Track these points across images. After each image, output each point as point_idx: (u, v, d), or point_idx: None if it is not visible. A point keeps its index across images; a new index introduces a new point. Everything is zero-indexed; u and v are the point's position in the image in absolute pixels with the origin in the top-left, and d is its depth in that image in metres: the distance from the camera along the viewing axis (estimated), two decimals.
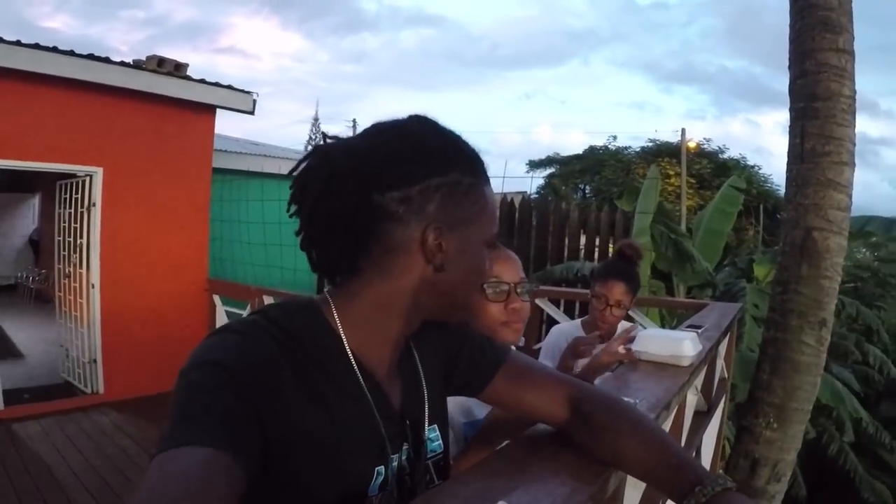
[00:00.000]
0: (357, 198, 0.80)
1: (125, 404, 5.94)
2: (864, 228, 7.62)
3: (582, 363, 2.32)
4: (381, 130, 0.86)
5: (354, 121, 30.75)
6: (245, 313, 5.85)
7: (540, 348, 2.71)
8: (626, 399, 1.13)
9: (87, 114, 5.84)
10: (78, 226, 6.13)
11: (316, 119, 46.83)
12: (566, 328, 2.73)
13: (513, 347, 1.26)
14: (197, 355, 0.75)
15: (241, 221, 7.94)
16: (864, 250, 11.37)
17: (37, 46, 5.34)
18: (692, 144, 21.72)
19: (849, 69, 3.47)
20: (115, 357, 6.11)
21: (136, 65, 6.23)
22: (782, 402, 3.56)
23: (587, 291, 2.81)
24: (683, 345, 1.74)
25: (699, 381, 2.38)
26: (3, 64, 5.14)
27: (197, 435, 0.64)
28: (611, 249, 7.99)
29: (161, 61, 6.32)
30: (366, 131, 0.87)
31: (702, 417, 2.62)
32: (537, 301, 4.96)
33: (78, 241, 6.15)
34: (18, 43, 5.24)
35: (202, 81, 6.58)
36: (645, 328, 2.28)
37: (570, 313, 6.09)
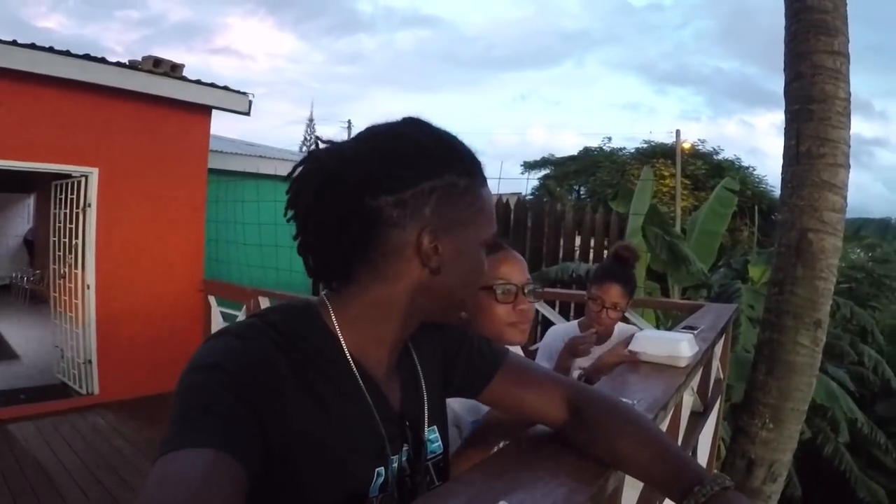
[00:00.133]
0: (350, 203, 0.80)
1: (120, 405, 5.93)
2: (859, 232, 7.64)
3: (579, 363, 2.33)
4: (375, 134, 0.86)
5: (349, 122, 30.80)
6: (240, 314, 5.86)
7: (536, 349, 2.72)
8: (624, 400, 1.13)
9: (82, 114, 5.83)
10: (73, 226, 6.12)
11: (311, 120, 46.81)
12: (563, 329, 2.74)
13: (515, 348, 1.26)
14: (197, 359, 0.75)
15: (236, 222, 7.93)
16: (858, 251, 11.41)
17: (33, 46, 5.33)
18: (687, 146, 21.74)
19: (844, 71, 3.49)
20: (110, 358, 6.10)
21: (132, 65, 6.21)
22: (778, 403, 3.58)
23: (582, 293, 2.81)
24: (680, 346, 1.75)
25: (695, 381, 2.39)
26: None
27: (199, 437, 0.64)
28: (606, 251, 8.00)
29: (157, 62, 6.31)
30: (359, 135, 0.87)
31: (698, 418, 2.63)
32: None
33: (73, 242, 6.13)
34: (15, 43, 5.23)
35: (198, 82, 6.58)
36: (641, 329, 2.29)
37: (565, 314, 6.11)
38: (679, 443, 2.09)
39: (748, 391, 3.78)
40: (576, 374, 2.28)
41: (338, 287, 0.87)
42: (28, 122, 5.50)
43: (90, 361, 6.06)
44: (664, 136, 23.61)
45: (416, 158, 0.82)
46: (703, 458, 2.92)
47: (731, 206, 8.06)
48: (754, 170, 24.01)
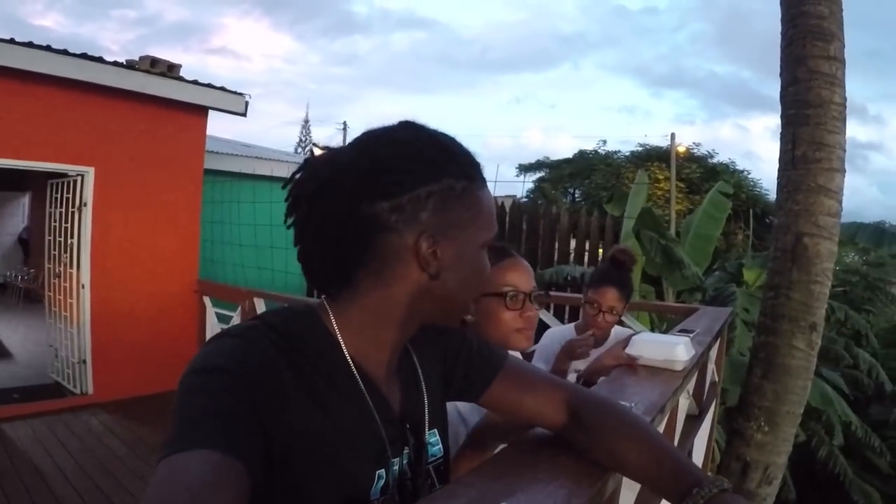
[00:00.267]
0: (347, 210, 0.80)
1: (114, 405, 5.92)
2: (854, 238, 7.67)
3: (576, 365, 2.33)
4: (370, 139, 0.85)
5: (345, 123, 30.73)
6: (235, 315, 5.85)
7: (533, 351, 2.72)
8: (621, 403, 1.14)
9: (79, 113, 5.82)
10: (69, 225, 6.10)
11: (306, 121, 46.80)
12: (559, 332, 2.74)
13: (517, 353, 1.27)
14: (198, 360, 0.75)
15: (232, 223, 7.93)
16: (852, 254, 11.45)
17: (30, 45, 5.32)
18: (681, 149, 21.78)
19: (839, 76, 3.51)
20: (104, 358, 6.08)
21: (129, 65, 6.20)
22: (773, 406, 3.59)
23: (577, 296, 2.82)
24: (677, 349, 1.75)
25: (691, 385, 2.39)
26: None
27: (201, 439, 0.64)
28: (601, 253, 8.02)
29: (154, 62, 6.31)
30: (355, 141, 0.87)
31: (693, 421, 2.64)
32: None
33: (68, 241, 6.12)
34: (12, 41, 5.22)
35: (195, 83, 6.57)
36: (637, 332, 2.29)
37: (559, 317, 6.11)
38: (675, 445, 2.10)
39: (744, 394, 3.79)
40: (572, 376, 2.28)
41: (337, 292, 0.87)
42: (24, 120, 5.49)
43: (84, 361, 6.05)
44: (659, 140, 23.68)
45: (412, 163, 0.82)
46: (698, 461, 2.93)
47: (726, 209, 8.09)
48: (749, 173, 24.14)
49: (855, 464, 7.54)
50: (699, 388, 2.70)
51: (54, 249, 6.45)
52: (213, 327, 6.35)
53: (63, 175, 6.08)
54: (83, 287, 6.02)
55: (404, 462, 0.90)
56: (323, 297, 0.89)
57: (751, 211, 17.74)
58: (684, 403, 2.41)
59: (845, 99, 3.53)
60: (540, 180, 27.26)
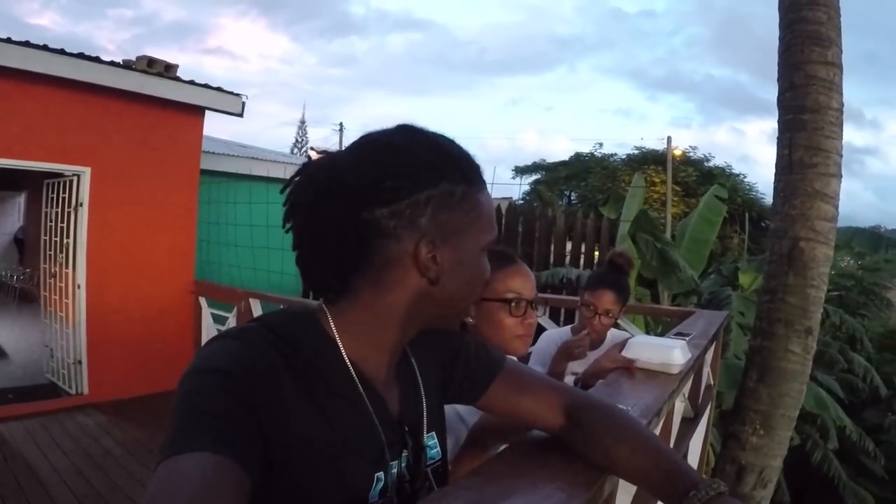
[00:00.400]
0: (346, 215, 0.80)
1: (110, 406, 5.90)
2: (850, 243, 7.70)
3: (573, 368, 2.34)
4: (368, 143, 0.85)
5: (341, 124, 30.81)
6: (231, 316, 5.84)
7: (529, 354, 2.73)
8: (619, 406, 1.14)
9: (75, 113, 5.81)
10: (64, 225, 6.09)
11: (302, 122, 47.00)
12: (555, 334, 2.75)
13: (514, 357, 1.27)
14: (197, 362, 0.75)
15: (228, 224, 7.91)
16: (848, 259, 11.48)
17: (27, 44, 5.31)
18: (678, 152, 21.87)
19: (837, 82, 3.52)
20: (100, 358, 6.07)
21: (126, 65, 6.20)
22: (769, 409, 3.60)
23: (573, 298, 2.82)
24: (673, 353, 1.76)
25: (687, 388, 2.40)
26: None
27: (201, 441, 0.64)
28: (597, 256, 8.04)
29: (151, 62, 6.30)
30: (353, 145, 0.86)
31: (689, 424, 2.64)
32: None
33: (64, 241, 6.10)
34: (9, 40, 5.20)
35: (192, 83, 6.56)
36: (634, 335, 2.30)
37: (555, 318, 6.12)
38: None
39: (739, 397, 3.80)
40: (569, 379, 2.29)
41: (336, 296, 0.87)
42: (20, 120, 5.47)
43: (80, 361, 6.03)
44: (655, 143, 23.88)
45: (410, 168, 0.81)
46: (693, 464, 2.93)
47: (721, 213, 8.10)
48: (745, 177, 24.31)
49: (849, 467, 7.58)
50: (695, 392, 2.71)
51: (50, 249, 6.44)
52: (208, 328, 6.34)
53: (59, 175, 6.07)
54: (79, 287, 6.01)
55: (403, 465, 0.90)
56: (321, 300, 0.89)
57: (747, 215, 17.79)
58: (680, 406, 2.41)
59: (842, 104, 3.55)
60: (536, 182, 27.37)
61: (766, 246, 4.04)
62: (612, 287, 2.59)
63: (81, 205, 5.94)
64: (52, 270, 6.40)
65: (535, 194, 24.77)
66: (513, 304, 1.50)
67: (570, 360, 2.28)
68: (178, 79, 6.46)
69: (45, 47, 5.43)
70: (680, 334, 2.42)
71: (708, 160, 24.84)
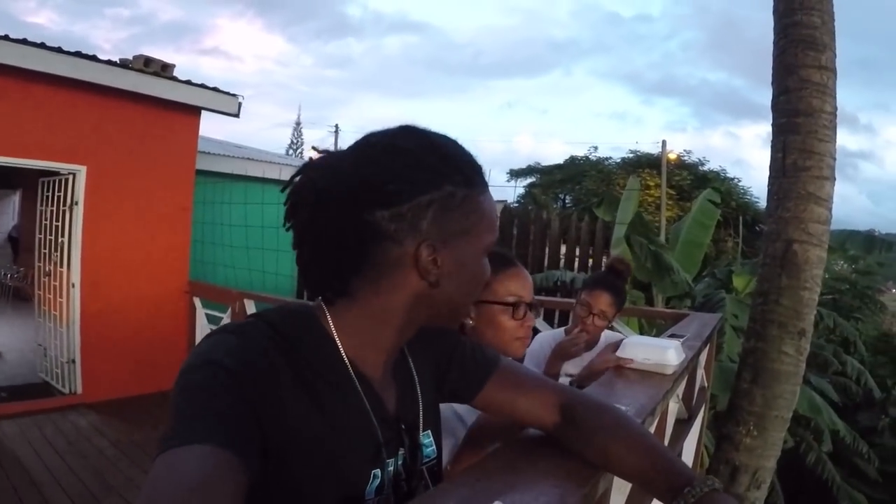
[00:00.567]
0: (347, 217, 0.80)
1: (103, 405, 5.89)
2: (844, 246, 7.73)
3: (568, 369, 2.35)
4: (370, 145, 0.85)
5: (337, 126, 30.71)
6: (225, 316, 5.83)
7: (524, 355, 2.73)
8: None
9: (71, 111, 5.80)
10: (59, 224, 6.07)
11: (298, 123, 46.95)
12: (550, 336, 2.75)
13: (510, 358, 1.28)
14: (196, 356, 0.75)
15: (223, 224, 7.90)
16: (841, 262, 11.52)
17: (24, 42, 5.30)
18: (672, 156, 21.93)
19: (830, 86, 3.54)
20: (93, 358, 6.04)
21: (123, 64, 6.19)
22: (762, 411, 3.61)
23: (568, 300, 2.83)
24: (668, 354, 1.76)
25: (681, 389, 2.41)
26: None
27: (199, 434, 0.64)
28: (591, 259, 8.06)
29: (148, 61, 6.29)
30: (354, 146, 0.86)
31: (683, 425, 2.65)
32: None
33: (59, 240, 6.08)
34: (6, 38, 5.19)
35: (188, 83, 6.55)
36: (628, 337, 2.31)
37: (549, 321, 6.13)
38: None
39: (733, 399, 3.81)
40: (564, 380, 2.29)
41: (335, 297, 0.87)
42: (16, 117, 5.46)
43: (74, 361, 6.01)
44: (650, 147, 23.87)
45: (412, 171, 0.81)
46: (687, 464, 2.94)
47: (714, 217, 8.13)
48: (739, 181, 24.37)
49: (843, 470, 7.61)
50: (689, 393, 2.72)
51: (44, 248, 6.41)
52: (202, 328, 6.33)
53: (54, 173, 6.05)
54: (73, 286, 5.99)
55: (399, 462, 0.90)
56: (319, 299, 0.89)
57: (741, 218, 17.85)
58: (674, 407, 2.42)
59: (836, 108, 3.56)
60: (531, 185, 27.41)
61: (760, 249, 4.05)
62: (610, 289, 2.60)
63: (76, 204, 5.92)
64: (47, 269, 6.38)
65: (529, 197, 24.81)
66: (514, 308, 1.51)
67: (565, 360, 2.29)
68: (174, 78, 6.45)
69: (42, 45, 5.42)
70: (674, 336, 2.44)
71: (702, 164, 24.92)
